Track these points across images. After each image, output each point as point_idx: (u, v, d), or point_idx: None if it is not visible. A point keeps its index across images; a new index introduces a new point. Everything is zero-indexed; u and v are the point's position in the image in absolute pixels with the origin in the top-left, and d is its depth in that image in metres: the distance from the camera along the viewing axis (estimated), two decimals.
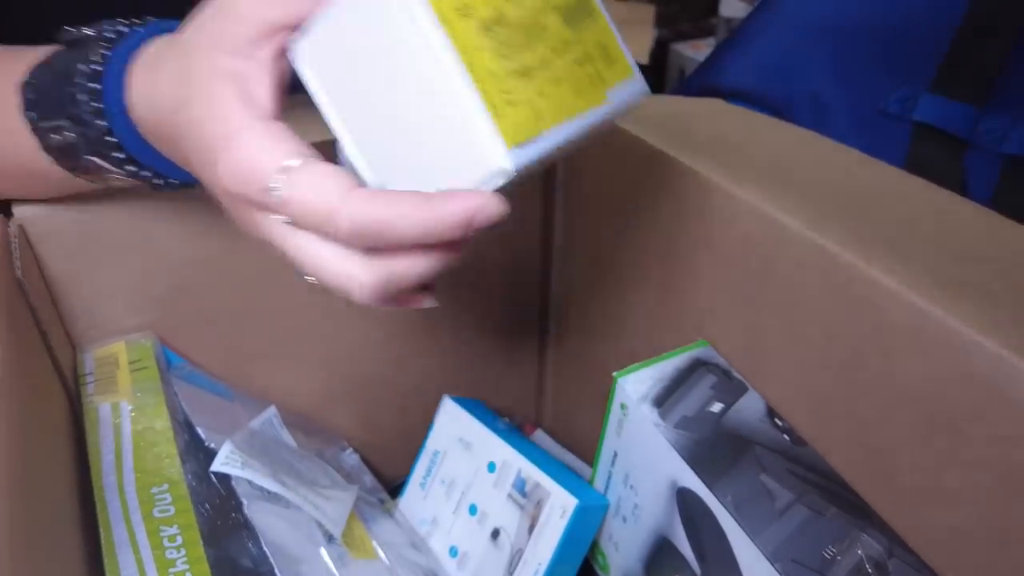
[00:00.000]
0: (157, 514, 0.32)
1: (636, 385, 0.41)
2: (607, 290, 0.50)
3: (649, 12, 1.90)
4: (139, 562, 0.30)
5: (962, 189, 0.48)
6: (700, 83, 0.57)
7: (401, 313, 0.50)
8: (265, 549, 0.33)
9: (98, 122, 0.30)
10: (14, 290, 0.33)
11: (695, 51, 2.57)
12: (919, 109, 0.50)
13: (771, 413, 0.38)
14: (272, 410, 0.44)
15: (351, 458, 0.50)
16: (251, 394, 0.45)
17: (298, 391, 0.48)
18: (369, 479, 0.49)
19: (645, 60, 1.65)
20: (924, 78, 0.52)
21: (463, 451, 0.47)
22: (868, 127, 0.50)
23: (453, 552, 0.45)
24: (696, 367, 0.41)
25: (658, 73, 2.68)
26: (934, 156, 0.49)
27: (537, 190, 0.51)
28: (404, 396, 0.53)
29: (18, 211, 0.37)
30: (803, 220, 0.35)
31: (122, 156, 0.31)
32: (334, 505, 0.38)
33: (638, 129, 0.43)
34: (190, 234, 0.40)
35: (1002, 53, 0.50)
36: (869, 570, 0.32)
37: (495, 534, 0.44)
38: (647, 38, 1.81)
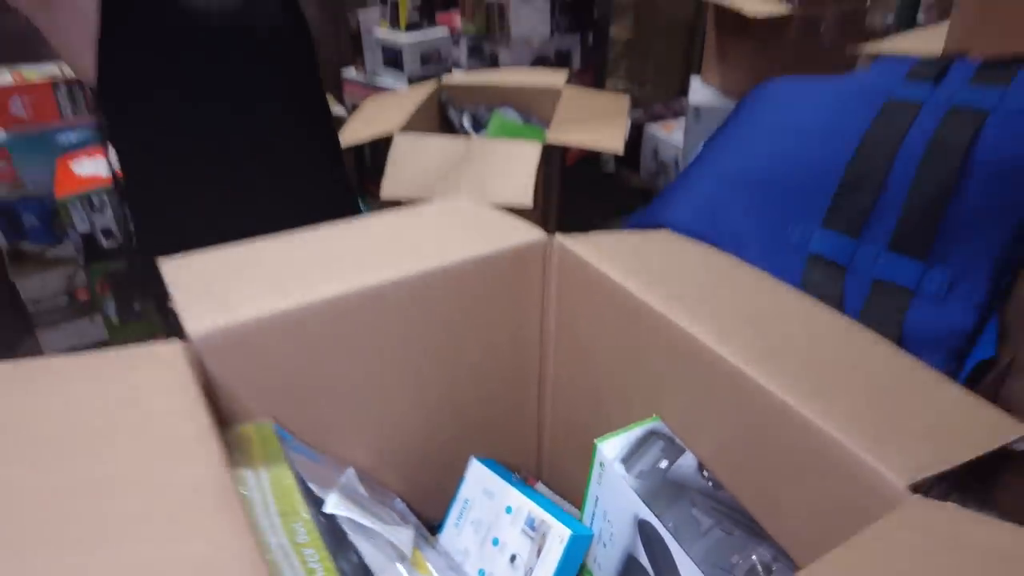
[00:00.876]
0: (299, 540, 0.48)
1: (610, 449, 0.58)
2: (589, 374, 0.67)
3: (625, 102, 2.12)
4: (293, 570, 0.46)
5: (840, 306, 0.67)
6: (653, 218, 0.76)
7: (435, 397, 0.67)
8: (365, 562, 0.50)
9: None
10: (199, 386, 0.51)
11: (666, 132, 2.82)
12: (812, 241, 0.70)
13: (701, 467, 0.56)
14: (351, 470, 0.61)
15: (400, 505, 0.67)
16: (333, 459, 0.62)
17: (361, 456, 0.65)
18: (415, 520, 0.66)
19: (621, 150, 1.85)
20: (817, 217, 0.71)
21: (487, 498, 0.64)
22: (774, 255, 0.69)
23: (481, 573, 0.62)
24: (650, 435, 0.59)
25: (634, 151, 2.92)
26: (821, 280, 0.67)
27: (536, 295, 0.69)
28: (439, 457, 0.70)
29: (192, 332, 0.54)
30: (713, 335, 0.53)
31: None
32: (403, 536, 0.55)
33: (606, 266, 0.62)
34: (295, 355, 0.58)
35: (872, 197, 0.69)
36: (760, 571, 0.50)
37: (512, 558, 0.60)
38: (624, 126, 2.00)
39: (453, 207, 0.73)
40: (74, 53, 1.03)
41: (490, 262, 0.64)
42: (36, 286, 2.06)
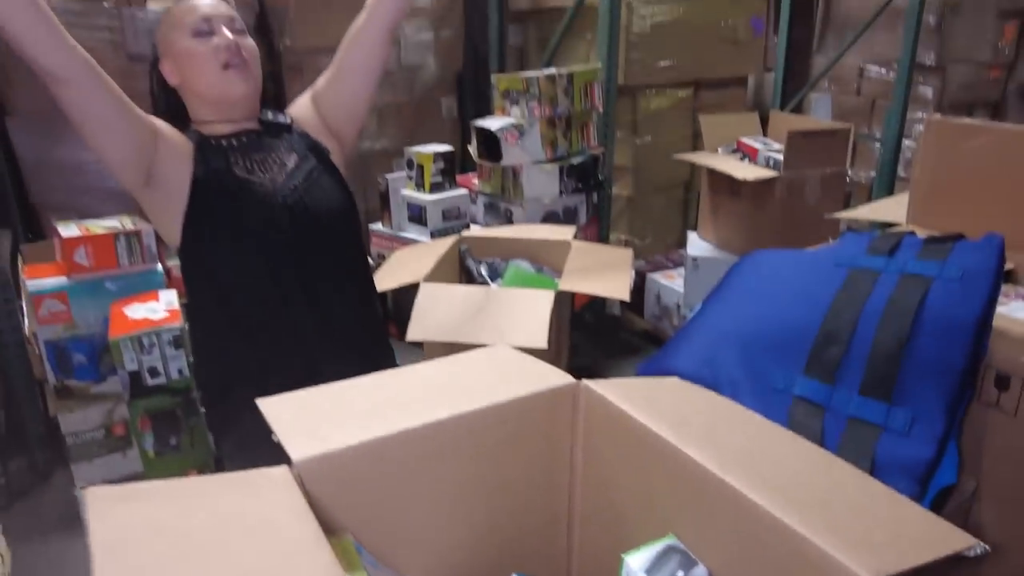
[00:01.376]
0: None
1: (635, 562, 0.69)
2: (612, 498, 0.79)
3: (628, 255, 2.31)
4: None
5: (820, 441, 0.80)
6: (662, 366, 0.90)
7: (480, 519, 0.79)
8: None
9: None
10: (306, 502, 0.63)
11: (668, 280, 3.01)
12: (795, 387, 0.84)
13: None
14: None
15: None
16: (393, 571, 0.73)
17: (417, 568, 0.76)
18: None
19: (627, 297, 2.02)
20: (798, 366, 0.85)
21: None
22: (764, 398, 0.83)
23: None
24: (668, 550, 0.70)
25: (637, 296, 3.10)
26: (804, 419, 0.81)
27: (566, 430, 0.82)
28: (482, 572, 0.80)
29: (295, 458, 0.67)
30: (717, 465, 0.66)
31: None
32: None
33: (627, 406, 0.75)
34: (372, 478, 0.71)
35: (842, 350, 0.84)
36: None
37: None
38: (629, 276, 2.17)
39: (495, 354, 0.88)
40: (164, 224, 1.24)
41: (529, 402, 0.77)
42: (77, 420, 2.18)
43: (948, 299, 0.80)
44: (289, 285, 1.25)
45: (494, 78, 2.91)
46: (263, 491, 0.62)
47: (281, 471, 0.65)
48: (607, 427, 0.77)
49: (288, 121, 1.34)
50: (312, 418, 0.73)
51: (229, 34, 1.21)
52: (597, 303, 3.36)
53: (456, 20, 3.69)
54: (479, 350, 0.90)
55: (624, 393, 0.77)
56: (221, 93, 1.22)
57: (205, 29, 1.20)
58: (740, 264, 1.00)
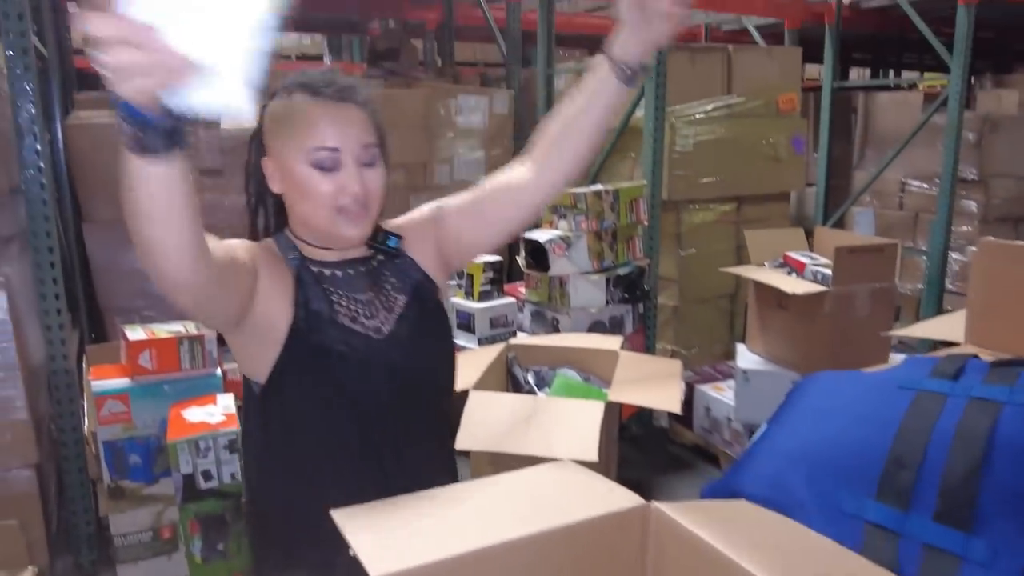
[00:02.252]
0: None
1: None
2: None
3: (678, 366, 2.31)
4: None
5: (896, 569, 0.78)
6: (729, 486, 0.91)
7: None
8: None
9: None
10: None
11: (717, 392, 2.99)
12: (867, 513, 0.83)
13: None
14: None
15: None
16: None
17: None
18: None
19: (679, 409, 2.01)
20: (868, 491, 0.85)
21: None
22: (835, 523, 0.82)
23: None
24: None
25: (687, 409, 3.06)
26: (878, 545, 0.80)
27: (636, 551, 0.81)
28: None
29: (374, 574, 0.68)
30: None
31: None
32: None
33: (697, 528, 0.76)
34: None
35: (913, 475, 0.83)
36: None
37: None
38: (679, 388, 2.16)
39: (561, 471, 0.89)
40: (249, 365, 1.09)
41: (600, 523, 0.78)
42: (127, 521, 2.19)
43: (1021, 424, 0.80)
44: (375, 446, 1.09)
45: None
46: None
47: None
48: (678, 551, 0.77)
49: (399, 247, 1.15)
50: (388, 532, 0.75)
51: (356, 178, 1.02)
52: (644, 414, 3.33)
53: (506, 140, 3.87)
54: (545, 466, 0.91)
55: (695, 517, 0.78)
56: (328, 233, 1.06)
57: (329, 164, 1.01)
58: (803, 385, 1.02)
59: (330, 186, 1.01)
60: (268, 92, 1.07)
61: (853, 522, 0.83)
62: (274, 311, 1.03)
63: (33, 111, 2.09)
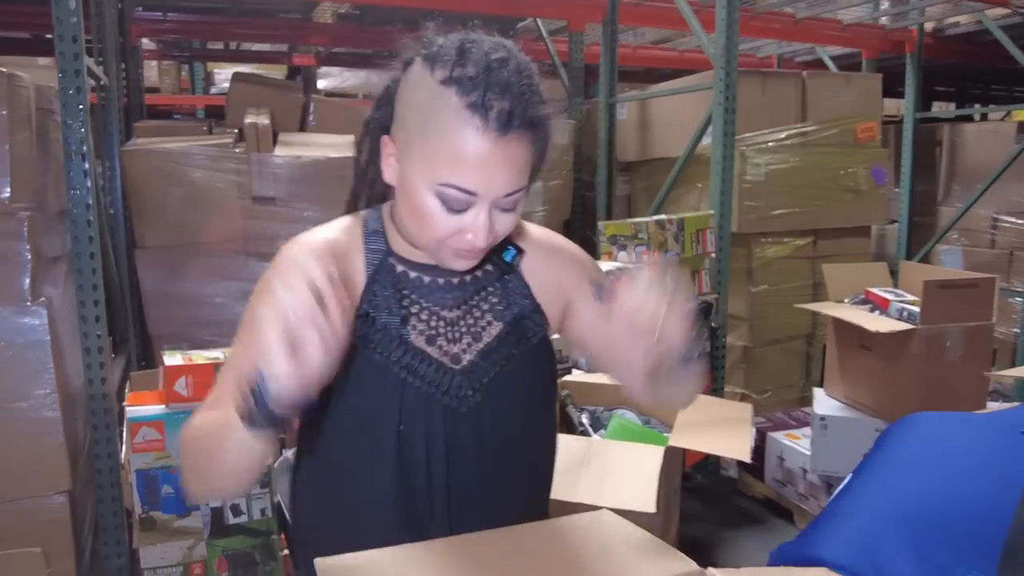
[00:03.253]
0: None
1: None
2: None
3: (748, 410, 2.11)
4: None
5: None
6: (805, 550, 0.73)
7: None
8: None
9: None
10: None
11: (792, 440, 2.74)
12: None
13: None
14: None
15: None
16: None
17: None
18: None
19: (748, 457, 1.81)
20: (989, 562, 0.66)
21: None
22: None
23: None
24: None
25: (758, 458, 2.83)
26: None
27: None
28: None
29: None
30: None
31: None
32: None
33: None
34: None
35: None
36: None
37: None
38: (749, 434, 1.97)
39: (599, 524, 0.73)
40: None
41: None
42: (158, 555, 2.10)
43: None
44: (422, 515, 0.88)
45: (601, 224, 2.87)
46: None
47: None
48: None
49: (514, 260, 0.95)
50: None
51: (484, 226, 0.82)
52: (711, 463, 3.10)
53: (566, 170, 3.76)
54: (581, 516, 0.75)
55: None
56: (430, 254, 0.89)
57: (458, 207, 0.81)
58: (896, 429, 0.83)
59: (450, 226, 0.82)
60: (419, 48, 0.85)
61: None
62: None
63: (83, 132, 2.08)
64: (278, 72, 5.67)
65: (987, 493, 0.70)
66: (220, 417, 0.80)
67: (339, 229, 0.93)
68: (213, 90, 6.03)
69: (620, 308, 0.77)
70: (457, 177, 0.79)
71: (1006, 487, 0.69)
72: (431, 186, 0.81)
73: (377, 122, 0.90)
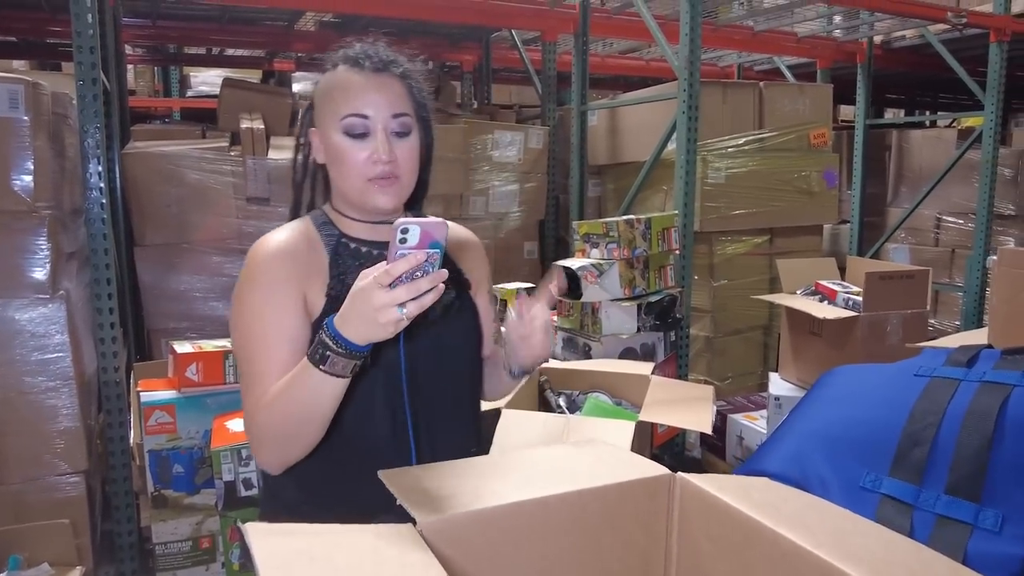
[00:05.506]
0: None
1: None
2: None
3: (710, 391, 2.34)
4: None
5: (910, 537, 0.82)
6: (752, 467, 0.95)
7: None
8: None
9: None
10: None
11: (750, 421, 2.99)
12: (883, 487, 0.86)
13: None
14: None
15: None
16: None
17: None
18: None
19: (709, 429, 2.03)
20: (884, 466, 0.89)
21: None
22: (852, 496, 0.86)
23: None
24: None
25: (720, 439, 3.07)
26: (892, 515, 0.83)
27: (662, 517, 0.86)
28: None
29: (420, 521, 0.74)
30: (811, 544, 0.70)
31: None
32: None
33: (721, 494, 0.80)
34: (483, 544, 0.76)
35: (926, 452, 0.87)
36: None
37: None
38: (710, 411, 2.18)
39: (595, 445, 0.94)
40: None
41: (628, 488, 0.83)
42: (168, 530, 2.27)
43: None
44: (404, 417, 1.11)
45: (575, 224, 3.09)
46: (395, 541, 0.69)
47: (407, 528, 0.72)
48: (702, 515, 0.82)
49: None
50: (431, 488, 0.80)
51: (384, 145, 1.05)
52: (676, 444, 3.33)
53: (540, 174, 3.97)
54: (580, 441, 0.96)
55: (718, 485, 0.82)
56: (362, 203, 1.09)
57: (359, 130, 1.05)
58: (826, 376, 1.06)
59: (361, 154, 1.05)
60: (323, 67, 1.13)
61: (869, 496, 0.87)
62: (314, 295, 1.07)
63: (99, 137, 2.23)
64: (253, 76, 5.80)
65: (885, 418, 0.92)
66: (291, 383, 0.97)
67: (294, 227, 1.14)
68: (190, 93, 6.12)
69: (515, 319, 1.11)
70: (349, 106, 1.05)
71: (899, 412, 0.91)
72: (337, 127, 1.06)
73: (305, 129, 1.16)
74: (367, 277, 0.88)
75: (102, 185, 2.27)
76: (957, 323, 4.31)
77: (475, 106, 5.26)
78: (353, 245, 1.13)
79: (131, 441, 2.40)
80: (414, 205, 1.20)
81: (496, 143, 3.81)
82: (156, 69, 6.47)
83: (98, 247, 2.27)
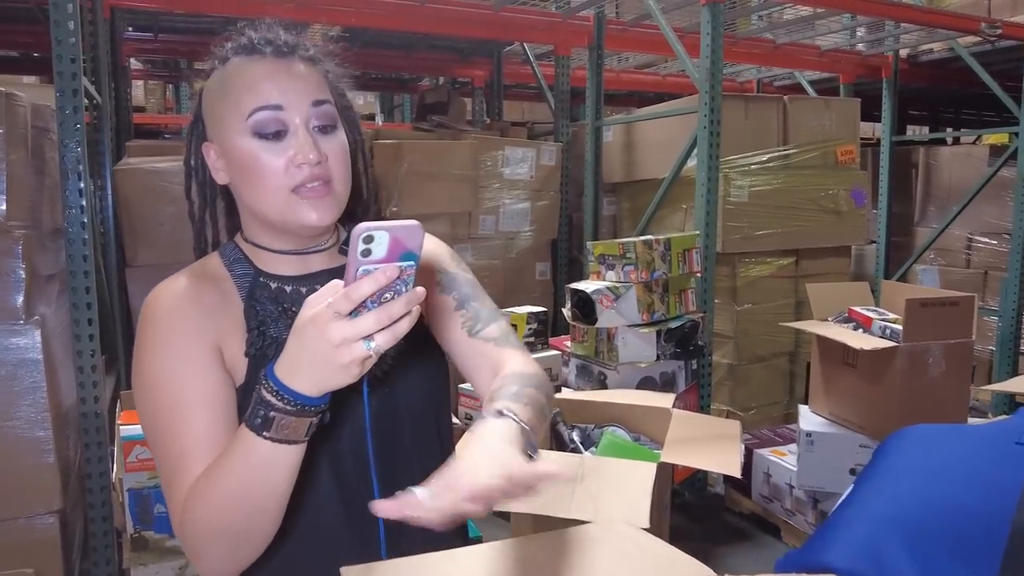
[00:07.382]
0: None
1: None
2: None
3: (737, 427, 2.14)
4: None
5: None
6: (813, 558, 0.76)
7: None
8: None
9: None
10: None
11: (778, 456, 2.79)
12: None
13: None
14: None
15: None
16: None
17: None
18: None
19: (738, 472, 1.84)
20: (990, 567, 0.70)
21: None
22: None
23: None
24: None
25: (745, 474, 2.87)
26: None
27: None
28: None
29: None
30: None
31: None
32: None
33: None
34: None
35: None
36: None
37: None
38: (738, 450, 2.00)
39: (619, 533, 0.76)
40: None
41: None
42: (149, 575, 2.09)
43: None
44: (355, 491, 0.88)
45: (589, 244, 2.92)
46: None
47: None
48: None
49: None
50: None
51: (308, 143, 0.82)
52: (698, 479, 3.13)
53: (552, 191, 3.81)
54: (593, 526, 0.78)
55: None
56: (285, 223, 0.85)
57: (272, 128, 0.82)
58: (893, 440, 0.87)
59: (278, 159, 0.82)
60: (204, 74, 0.90)
61: None
62: (232, 355, 0.85)
63: (79, 151, 2.09)
64: None
65: (984, 501, 0.74)
66: (228, 462, 0.73)
67: (195, 270, 0.90)
68: None
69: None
70: (256, 98, 0.82)
71: (1002, 495, 0.73)
72: (243, 129, 0.82)
73: (195, 147, 0.91)
74: (318, 304, 0.66)
75: (83, 203, 2.12)
76: (991, 348, 4.08)
77: (487, 122, 5.12)
78: (274, 285, 0.90)
79: (113, 476, 2.24)
80: (349, 223, 0.94)
81: (507, 160, 3.65)
82: (168, 86, 6.40)
83: (77, 269, 2.11)
